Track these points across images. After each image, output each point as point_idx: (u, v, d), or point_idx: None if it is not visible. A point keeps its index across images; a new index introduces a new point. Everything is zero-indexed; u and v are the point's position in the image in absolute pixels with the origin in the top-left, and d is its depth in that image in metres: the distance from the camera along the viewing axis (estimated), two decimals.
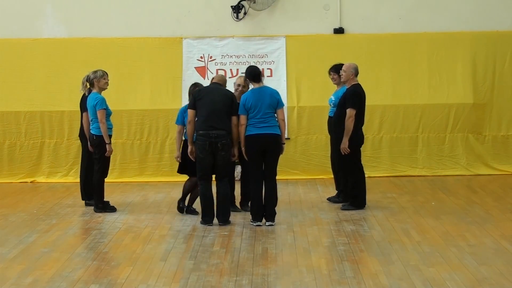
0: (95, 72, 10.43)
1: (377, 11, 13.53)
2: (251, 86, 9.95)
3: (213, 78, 10.19)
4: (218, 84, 9.86)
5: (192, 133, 9.68)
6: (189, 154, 9.78)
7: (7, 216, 10.46)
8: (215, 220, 9.68)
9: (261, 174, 9.67)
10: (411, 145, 13.39)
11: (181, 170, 10.34)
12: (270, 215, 9.66)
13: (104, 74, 10.52)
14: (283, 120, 9.69)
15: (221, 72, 13.22)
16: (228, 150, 9.59)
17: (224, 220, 9.64)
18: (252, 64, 13.23)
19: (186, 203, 10.37)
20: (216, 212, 9.66)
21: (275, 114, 9.62)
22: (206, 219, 9.66)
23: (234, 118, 9.58)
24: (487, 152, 13.44)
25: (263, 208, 9.65)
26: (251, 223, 9.65)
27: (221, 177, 9.65)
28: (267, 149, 9.57)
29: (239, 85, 10.26)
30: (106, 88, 10.67)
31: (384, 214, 10.24)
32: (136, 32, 13.45)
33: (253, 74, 9.75)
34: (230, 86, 10.36)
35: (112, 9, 13.54)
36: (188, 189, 10.32)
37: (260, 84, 9.72)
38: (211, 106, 9.52)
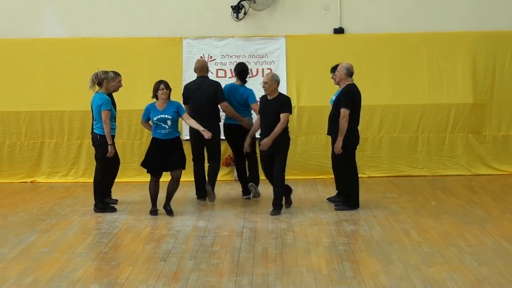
0: (107, 73, 10.42)
1: (377, 11, 13.53)
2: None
3: (196, 69, 11.36)
4: (203, 78, 11.19)
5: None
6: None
7: (7, 216, 10.46)
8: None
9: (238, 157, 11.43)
10: (411, 145, 13.39)
11: (143, 164, 10.57)
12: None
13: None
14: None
15: (221, 72, 13.26)
16: (216, 137, 10.76)
17: (212, 185, 11.04)
18: (252, 64, 13.28)
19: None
20: (208, 181, 11.07)
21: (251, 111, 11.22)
22: (199, 194, 11.24)
23: (222, 105, 11.04)
24: (487, 152, 13.44)
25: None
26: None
27: (212, 159, 11.20)
28: (234, 137, 11.21)
29: (265, 82, 10.53)
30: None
31: (384, 214, 10.24)
32: (136, 32, 13.45)
33: (240, 73, 11.31)
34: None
35: (112, 9, 13.54)
36: (151, 190, 10.46)
37: (240, 82, 11.28)
38: (199, 101, 11.00)
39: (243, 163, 11.41)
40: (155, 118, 10.23)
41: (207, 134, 10.23)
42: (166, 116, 10.20)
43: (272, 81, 10.31)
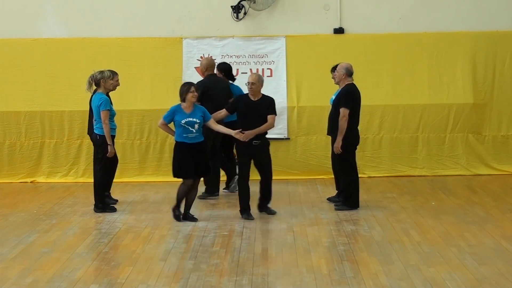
0: (102, 72, 10.42)
1: (377, 11, 13.53)
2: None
3: (204, 67, 11.51)
4: (213, 75, 11.47)
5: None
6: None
7: (7, 216, 10.46)
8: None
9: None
10: (411, 145, 13.38)
11: (177, 174, 10.00)
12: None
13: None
14: None
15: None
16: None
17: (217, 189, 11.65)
18: (252, 64, 13.29)
19: (182, 210, 10.07)
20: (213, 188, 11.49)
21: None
22: (208, 190, 11.41)
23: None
24: (487, 152, 13.43)
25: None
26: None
27: (217, 155, 11.45)
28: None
29: (253, 83, 10.16)
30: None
31: (384, 214, 10.24)
32: (136, 32, 13.44)
33: (227, 71, 11.71)
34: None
35: (112, 9, 13.54)
36: (182, 194, 9.98)
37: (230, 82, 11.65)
38: (216, 98, 11.02)
39: (228, 159, 11.85)
40: (182, 121, 9.77)
41: (243, 137, 9.88)
42: (195, 119, 9.79)
43: (259, 82, 10.13)
